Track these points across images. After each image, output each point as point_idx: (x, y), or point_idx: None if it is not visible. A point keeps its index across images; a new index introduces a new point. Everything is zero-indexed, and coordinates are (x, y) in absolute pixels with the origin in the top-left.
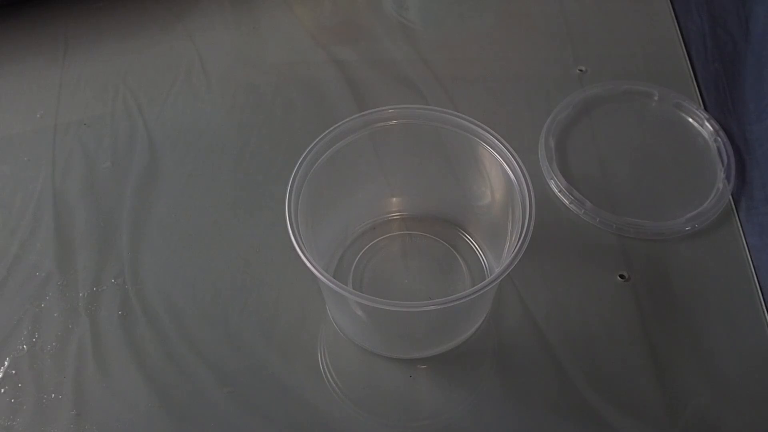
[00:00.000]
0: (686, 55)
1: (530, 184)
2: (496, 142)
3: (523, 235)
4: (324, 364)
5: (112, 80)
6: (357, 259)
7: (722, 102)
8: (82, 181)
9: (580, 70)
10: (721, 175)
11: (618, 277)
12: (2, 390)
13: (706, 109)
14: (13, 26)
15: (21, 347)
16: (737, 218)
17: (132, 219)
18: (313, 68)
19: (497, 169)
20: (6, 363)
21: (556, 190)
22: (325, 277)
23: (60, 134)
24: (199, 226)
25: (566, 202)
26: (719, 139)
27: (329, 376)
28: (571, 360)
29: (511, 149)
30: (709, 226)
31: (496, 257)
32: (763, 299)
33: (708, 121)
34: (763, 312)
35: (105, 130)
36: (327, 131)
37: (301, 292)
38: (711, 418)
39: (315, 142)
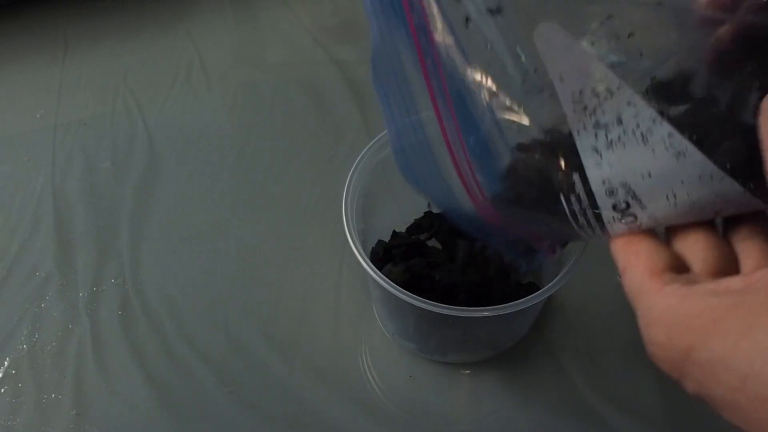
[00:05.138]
0: None
1: None
2: None
3: (578, 249)
4: (324, 363)
5: (112, 80)
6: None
7: None
8: (82, 181)
9: None
10: None
11: (618, 277)
12: (2, 390)
13: None
14: (13, 26)
15: (21, 347)
16: None
17: (132, 219)
18: (313, 68)
19: None
20: (6, 363)
21: None
22: (380, 277)
23: (60, 134)
24: (199, 226)
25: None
26: None
27: (330, 376)
28: (571, 360)
29: None
30: None
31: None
32: None
33: None
34: None
35: (105, 130)
36: (379, 136)
37: (301, 291)
38: (711, 417)
39: (368, 146)
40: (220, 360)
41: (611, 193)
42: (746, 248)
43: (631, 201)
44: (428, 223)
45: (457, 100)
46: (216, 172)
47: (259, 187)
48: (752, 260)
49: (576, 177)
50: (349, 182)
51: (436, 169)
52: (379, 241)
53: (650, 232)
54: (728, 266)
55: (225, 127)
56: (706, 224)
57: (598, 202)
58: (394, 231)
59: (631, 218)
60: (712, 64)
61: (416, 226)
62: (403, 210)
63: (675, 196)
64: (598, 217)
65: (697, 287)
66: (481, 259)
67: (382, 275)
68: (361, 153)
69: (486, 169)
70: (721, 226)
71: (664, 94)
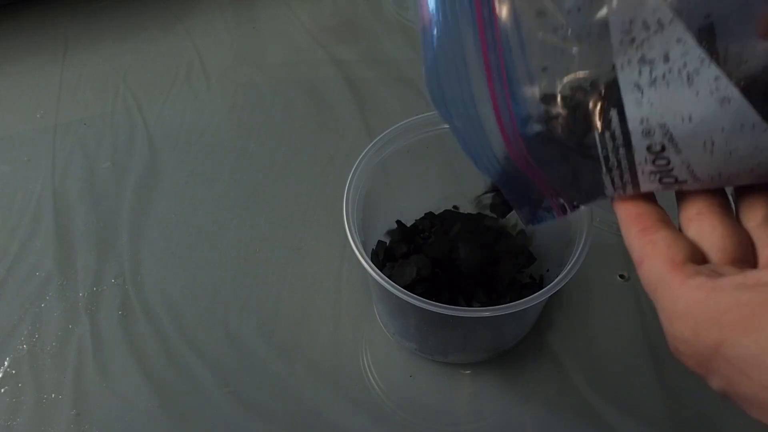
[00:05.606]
0: None
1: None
2: None
3: (580, 249)
4: (324, 363)
5: (112, 80)
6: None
7: None
8: (82, 181)
9: None
10: None
11: (618, 277)
12: (2, 390)
13: None
14: (13, 26)
15: (21, 347)
16: None
17: (132, 219)
18: (313, 68)
19: None
20: (6, 363)
21: None
22: (383, 279)
23: (60, 134)
24: (199, 226)
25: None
26: None
27: (330, 376)
28: (571, 360)
29: None
30: None
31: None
32: None
33: None
34: None
35: (105, 130)
36: (379, 137)
37: (301, 291)
38: (711, 418)
39: (368, 147)
40: (220, 360)
41: (648, 133)
42: (762, 235)
43: (667, 144)
44: (429, 224)
45: (502, 17)
46: (216, 172)
47: (259, 187)
48: None
49: (614, 113)
50: (350, 183)
51: (468, 89)
52: (380, 242)
53: (666, 222)
54: (747, 254)
55: (225, 127)
56: (721, 209)
57: (633, 142)
58: (398, 221)
59: (663, 161)
60: None
61: (415, 227)
62: (403, 210)
63: (713, 143)
64: (630, 158)
65: (724, 280)
66: (483, 258)
67: (382, 275)
68: (361, 153)
69: (521, 94)
70: (734, 209)
71: (717, 34)
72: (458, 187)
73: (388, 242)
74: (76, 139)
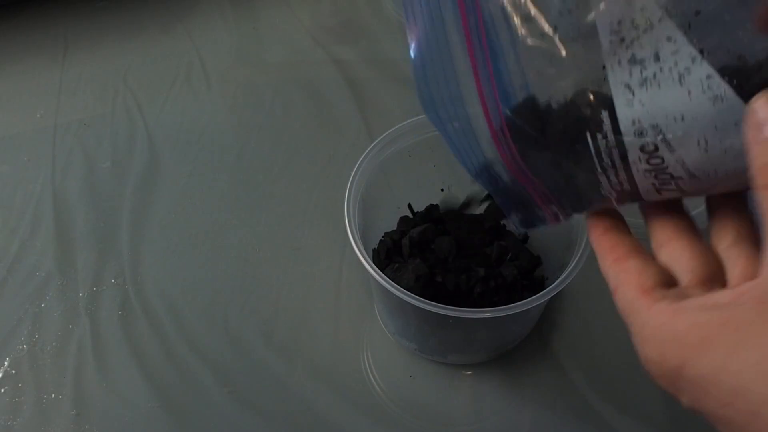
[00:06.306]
0: None
1: None
2: None
3: (581, 251)
4: (324, 363)
5: (112, 80)
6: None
7: None
8: (82, 181)
9: None
10: None
11: None
12: (2, 390)
13: None
14: (13, 26)
15: (21, 347)
16: None
17: (132, 219)
18: (313, 68)
19: None
20: (6, 363)
21: None
22: (384, 280)
23: (60, 134)
24: (199, 226)
25: None
26: None
27: (330, 376)
28: (572, 360)
29: None
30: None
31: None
32: None
33: None
34: None
35: (105, 130)
36: (380, 138)
37: (302, 291)
38: None
39: (369, 148)
40: (220, 360)
41: (640, 134)
42: (732, 255)
43: (660, 144)
44: (432, 226)
45: (489, 22)
46: (216, 172)
47: (259, 187)
48: (738, 268)
49: (605, 115)
50: (351, 183)
51: (458, 95)
52: (381, 242)
53: (638, 250)
54: (716, 274)
55: (225, 127)
56: (689, 233)
57: (626, 142)
58: (399, 221)
59: (657, 161)
60: (762, 13)
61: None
62: (404, 211)
63: (707, 142)
64: (624, 158)
65: (685, 303)
66: (484, 258)
67: (383, 276)
68: (362, 154)
69: (511, 97)
70: (708, 231)
71: (708, 32)
72: (460, 188)
73: (388, 243)
74: (76, 139)
